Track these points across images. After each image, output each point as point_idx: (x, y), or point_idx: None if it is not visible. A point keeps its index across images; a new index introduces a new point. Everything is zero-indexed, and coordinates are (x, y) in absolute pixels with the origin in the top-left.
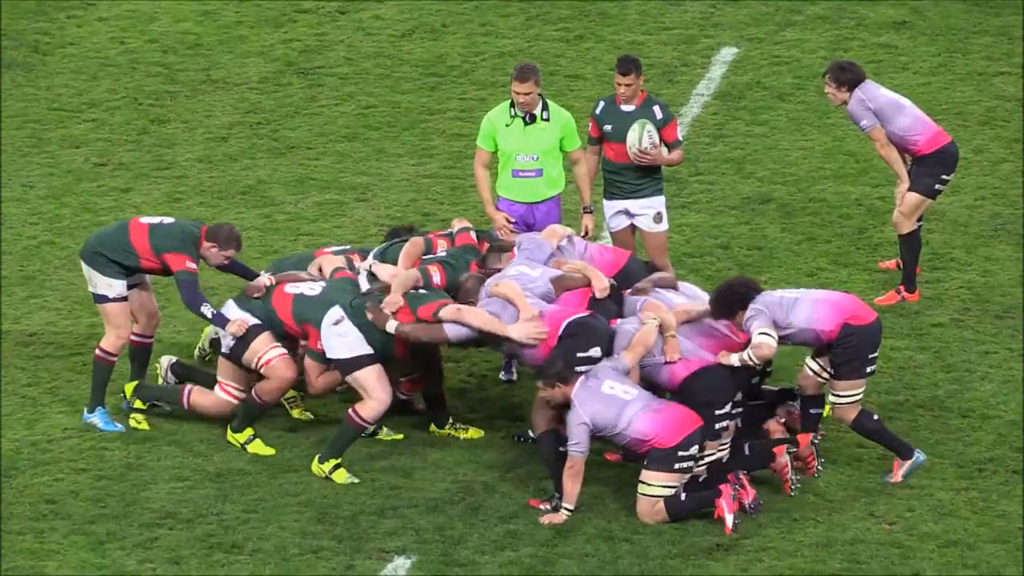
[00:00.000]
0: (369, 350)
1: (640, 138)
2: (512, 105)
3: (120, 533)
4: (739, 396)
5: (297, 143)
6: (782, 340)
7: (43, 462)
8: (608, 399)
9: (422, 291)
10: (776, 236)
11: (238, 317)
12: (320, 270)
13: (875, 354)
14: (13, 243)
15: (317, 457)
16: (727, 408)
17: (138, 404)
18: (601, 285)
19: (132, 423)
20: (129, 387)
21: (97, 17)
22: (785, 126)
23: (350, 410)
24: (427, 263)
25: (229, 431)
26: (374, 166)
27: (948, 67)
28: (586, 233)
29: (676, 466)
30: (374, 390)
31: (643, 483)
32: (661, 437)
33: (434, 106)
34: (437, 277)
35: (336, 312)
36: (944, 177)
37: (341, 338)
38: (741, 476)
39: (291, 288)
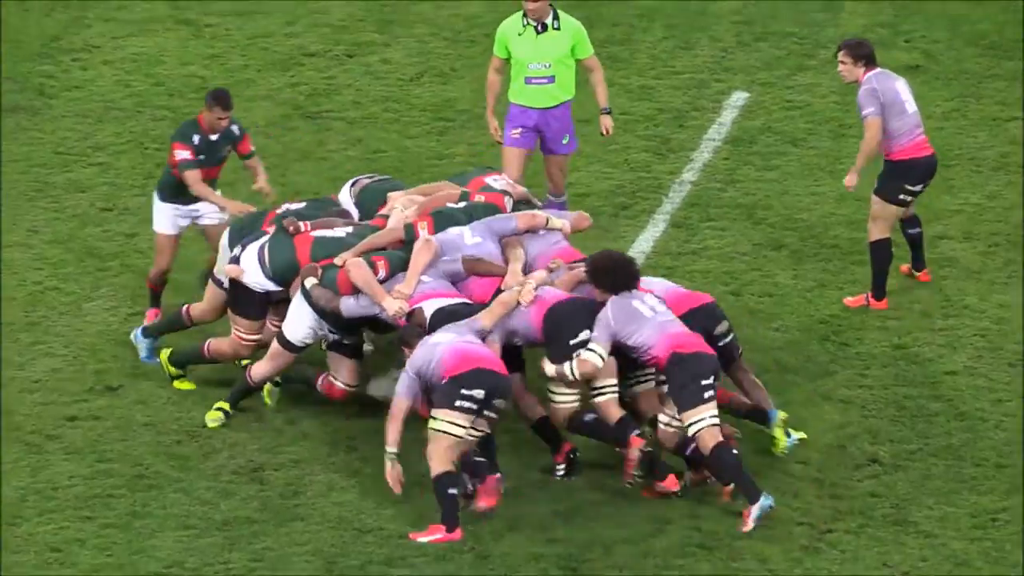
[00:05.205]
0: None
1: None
2: (524, 15)
3: None
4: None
5: (305, 188)
6: (627, 349)
7: (48, 510)
8: (426, 346)
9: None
10: (787, 283)
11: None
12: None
13: (708, 381)
14: (18, 289)
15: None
16: (581, 337)
17: (173, 371)
18: (512, 281)
19: (177, 385)
20: (164, 355)
21: (102, 60)
22: (797, 171)
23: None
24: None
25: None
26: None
27: (961, 112)
28: (607, 132)
29: (457, 403)
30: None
31: (431, 417)
32: (448, 366)
33: (443, 151)
34: (425, 231)
35: None
36: (908, 187)
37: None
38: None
39: (316, 232)
